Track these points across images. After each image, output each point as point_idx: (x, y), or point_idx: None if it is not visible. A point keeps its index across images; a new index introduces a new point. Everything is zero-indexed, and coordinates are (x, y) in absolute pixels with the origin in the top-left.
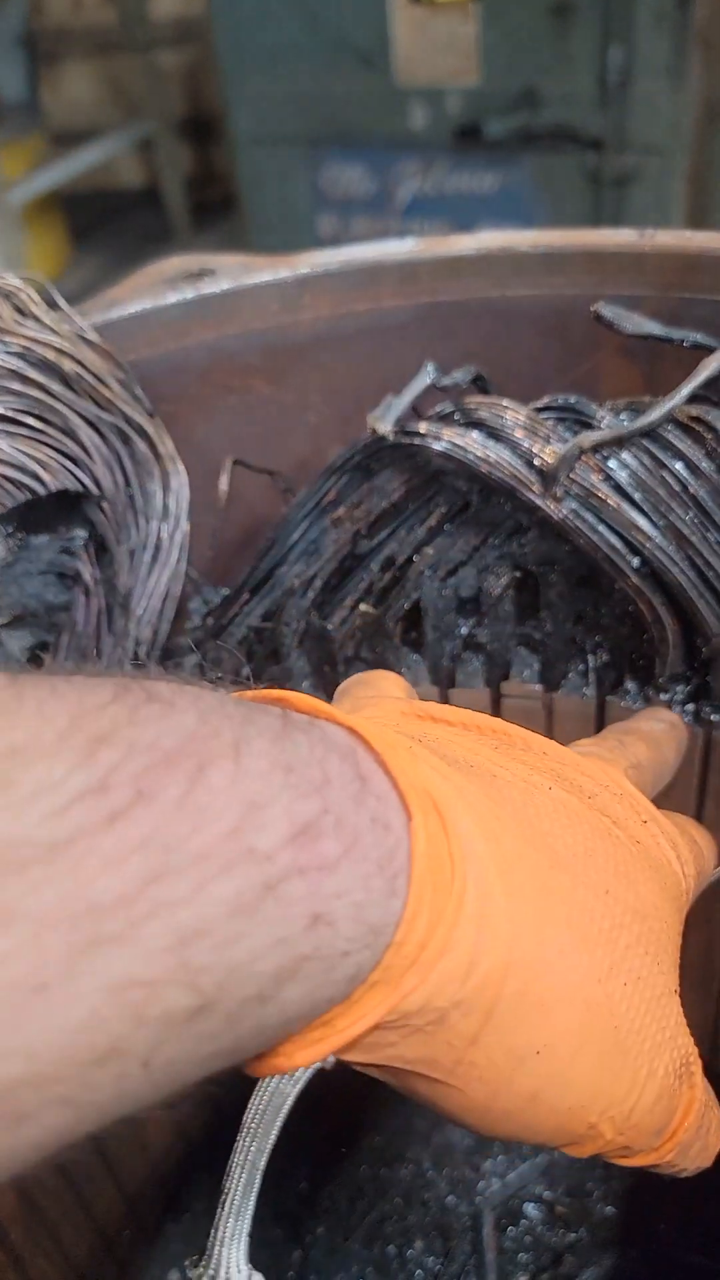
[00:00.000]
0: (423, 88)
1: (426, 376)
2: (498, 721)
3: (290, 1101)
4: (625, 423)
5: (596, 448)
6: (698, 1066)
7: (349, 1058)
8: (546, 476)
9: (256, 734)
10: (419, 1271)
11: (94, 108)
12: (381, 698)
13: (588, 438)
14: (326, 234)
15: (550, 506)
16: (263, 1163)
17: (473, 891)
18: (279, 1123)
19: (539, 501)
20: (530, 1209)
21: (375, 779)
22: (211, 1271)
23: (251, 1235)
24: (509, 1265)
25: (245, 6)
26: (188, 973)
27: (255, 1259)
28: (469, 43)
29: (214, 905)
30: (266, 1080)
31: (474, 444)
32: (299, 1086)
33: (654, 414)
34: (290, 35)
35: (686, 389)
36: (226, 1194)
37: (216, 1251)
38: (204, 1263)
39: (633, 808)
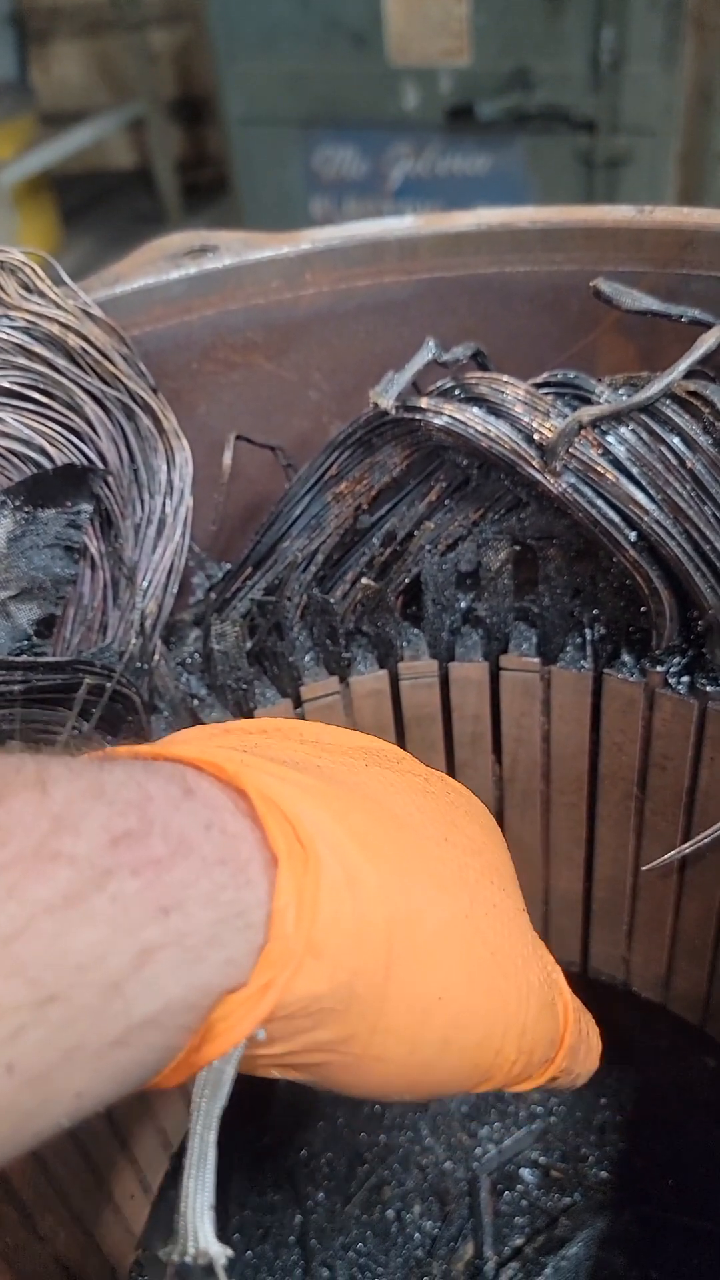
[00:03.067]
0: (415, 68)
1: (428, 352)
2: (284, 721)
3: (228, 1078)
4: (624, 398)
5: (595, 422)
6: (559, 974)
7: (272, 1051)
8: (546, 451)
9: (65, 771)
10: (417, 1235)
11: (85, 88)
12: (191, 732)
13: (586, 412)
14: (319, 216)
15: (549, 481)
16: (213, 1138)
17: (332, 863)
18: (221, 1100)
19: (538, 476)
20: (526, 1174)
21: (203, 789)
22: (180, 1248)
23: (250, 1204)
24: (505, 1228)
25: None
26: (17, 964)
27: (256, 1222)
28: (461, 23)
29: (30, 904)
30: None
31: (474, 419)
32: (233, 1065)
33: (652, 389)
34: (282, 15)
35: (684, 364)
36: (185, 1173)
37: (183, 1228)
38: (173, 1240)
39: (426, 769)
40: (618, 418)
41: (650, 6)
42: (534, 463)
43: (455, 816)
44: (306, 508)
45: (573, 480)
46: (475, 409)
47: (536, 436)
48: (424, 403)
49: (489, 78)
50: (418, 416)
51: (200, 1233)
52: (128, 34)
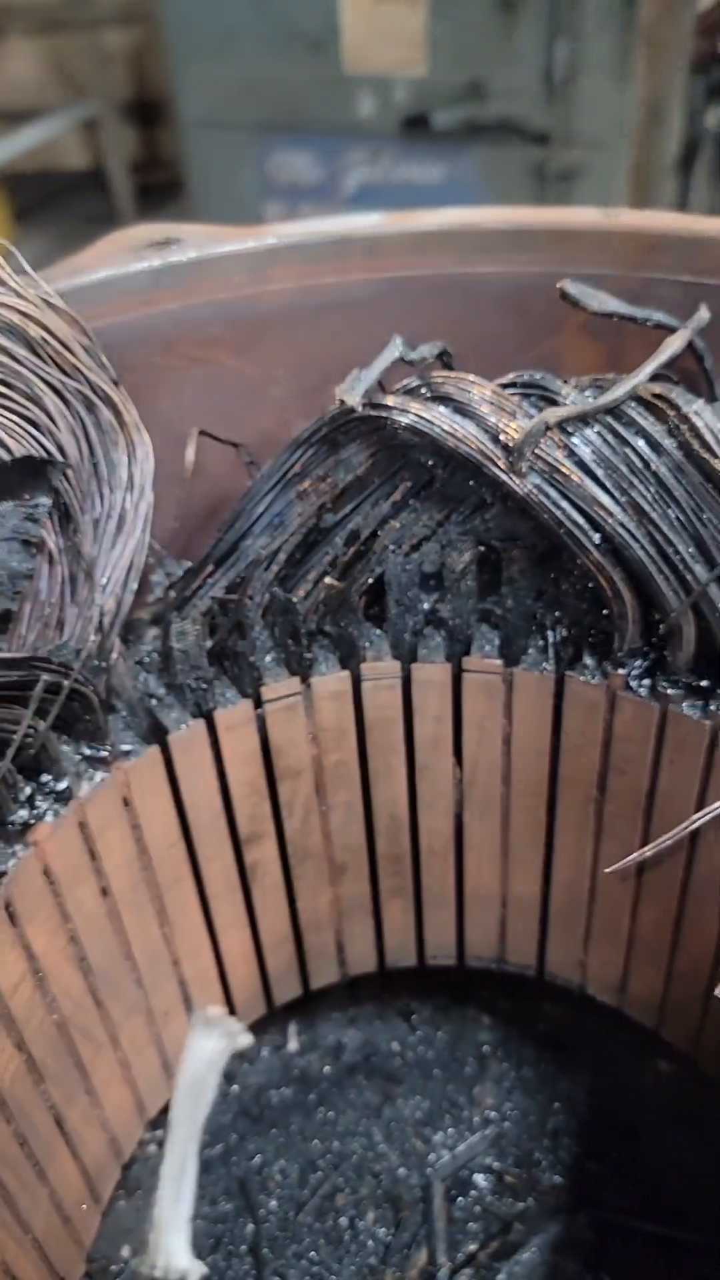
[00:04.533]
0: (371, 76)
1: (394, 350)
2: None
3: (211, 1086)
4: (590, 399)
5: (561, 424)
6: None
7: None
8: (512, 452)
9: None
10: (370, 1242)
11: (38, 87)
12: None
13: (553, 414)
14: (273, 221)
15: (515, 481)
16: (194, 1150)
17: None
18: (205, 1109)
19: (504, 476)
20: (480, 1179)
21: None
22: (153, 1262)
23: (201, 1212)
24: (459, 1234)
25: None
26: None
27: (207, 1232)
28: (417, 33)
29: None
30: (187, 1071)
31: (441, 418)
32: (216, 1074)
33: (618, 391)
34: (238, 19)
35: (650, 367)
36: (162, 1183)
37: (157, 1241)
38: (146, 1253)
39: None
40: (584, 419)
41: (603, 22)
42: (500, 463)
43: None
44: (270, 505)
45: (538, 481)
46: (442, 408)
47: (502, 437)
48: (390, 401)
49: (444, 88)
50: (384, 415)
51: (174, 1247)
52: (82, 33)
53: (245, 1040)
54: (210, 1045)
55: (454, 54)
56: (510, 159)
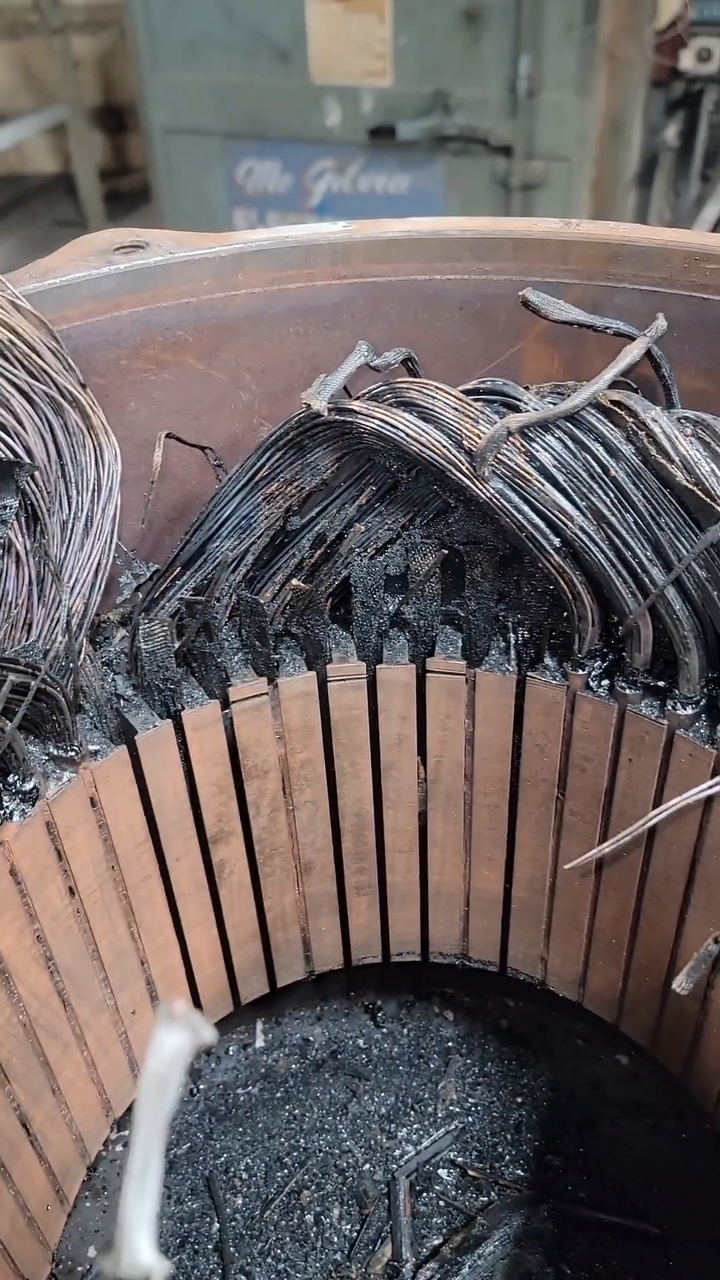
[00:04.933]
0: (338, 86)
1: (360, 356)
2: None
3: (174, 1082)
4: (551, 405)
5: (523, 429)
6: None
7: None
8: (475, 457)
9: None
10: (336, 1238)
11: (6, 91)
12: None
13: (514, 419)
14: (241, 227)
15: (478, 486)
16: (158, 1146)
17: None
18: (169, 1106)
19: (467, 481)
20: (443, 1174)
21: None
22: (117, 1259)
23: (167, 1210)
24: (423, 1229)
25: None
26: None
27: (173, 1231)
28: (383, 44)
29: None
30: (151, 1067)
31: (406, 424)
32: (179, 1069)
33: (578, 397)
34: (206, 27)
35: (609, 374)
36: (127, 1180)
37: (121, 1239)
38: (111, 1251)
39: None
40: (544, 425)
41: (565, 38)
42: (463, 468)
43: None
44: (237, 508)
45: (500, 486)
46: (406, 414)
47: (466, 442)
48: (356, 406)
49: (410, 99)
50: (349, 420)
51: (138, 1245)
52: (50, 38)
53: (209, 1036)
54: (174, 1041)
55: (419, 66)
56: (474, 170)
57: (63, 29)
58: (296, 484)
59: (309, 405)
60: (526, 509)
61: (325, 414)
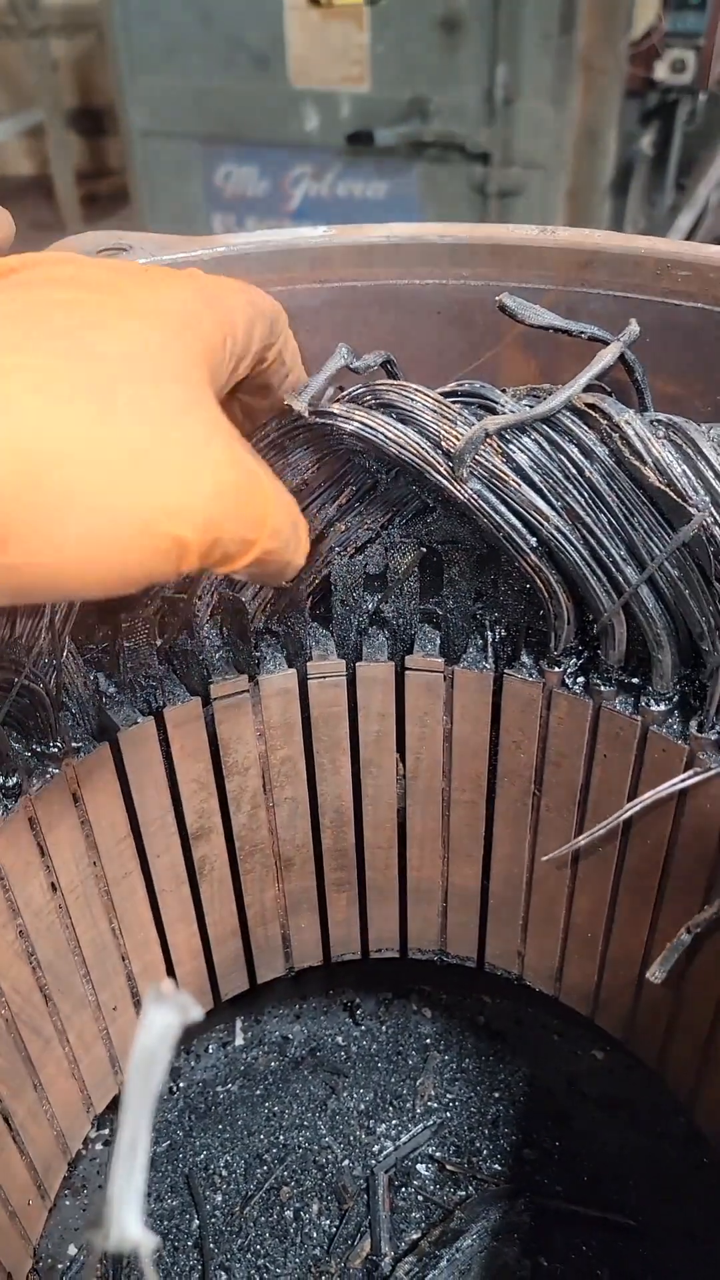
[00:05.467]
0: (316, 91)
1: (340, 359)
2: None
3: (162, 1060)
4: (527, 408)
5: (500, 431)
6: (259, 463)
7: None
8: (453, 458)
9: None
10: (315, 1234)
11: None
12: None
13: (492, 421)
14: (220, 232)
15: (455, 487)
16: (146, 1124)
17: None
18: (156, 1084)
19: (445, 482)
20: (422, 1169)
21: None
22: (105, 1234)
23: (148, 1208)
24: (402, 1224)
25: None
26: None
27: (153, 1229)
28: (361, 50)
29: None
30: (139, 1045)
31: (385, 425)
32: (167, 1048)
33: (554, 400)
34: (185, 31)
35: (584, 378)
36: (115, 1159)
37: (110, 1214)
38: (100, 1226)
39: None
40: (521, 427)
41: (542, 47)
42: (441, 469)
43: (105, 317)
44: None
45: (478, 487)
46: (385, 416)
47: (444, 443)
48: (336, 408)
49: (387, 105)
50: (329, 421)
51: (127, 1221)
52: (28, 41)
53: (197, 1014)
54: (162, 1019)
55: (397, 72)
56: (452, 176)
57: (41, 32)
58: None
59: (290, 406)
60: (504, 509)
61: (306, 415)
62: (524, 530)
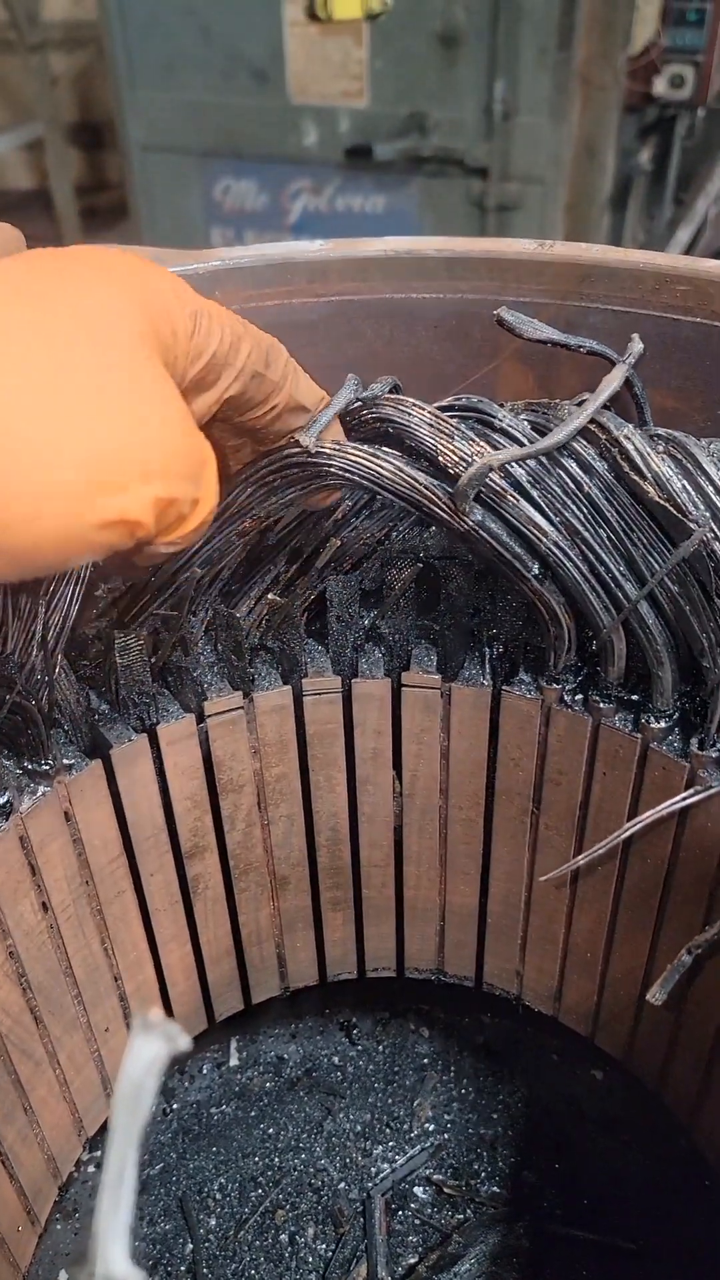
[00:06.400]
0: (315, 106)
1: (350, 390)
2: None
3: (149, 1090)
4: (525, 423)
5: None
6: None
7: None
8: (455, 494)
9: None
10: (311, 1258)
11: None
12: None
13: (495, 457)
14: (219, 246)
15: (456, 520)
16: (132, 1156)
17: None
18: (142, 1115)
19: (446, 516)
20: (419, 1192)
21: None
22: (91, 1270)
23: (140, 1232)
24: (399, 1248)
25: (138, 15)
26: None
27: (146, 1253)
28: (360, 65)
29: None
30: (126, 1076)
31: (382, 465)
32: (154, 1078)
33: (559, 434)
34: (184, 46)
35: (591, 408)
36: (101, 1191)
37: (95, 1250)
38: (85, 1262)
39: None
40: (526, 459)
41: (540, 62)
42: (441, 504)
43: (61, 279)
44: (210, 541)
45: (479, 518)
46: (383, 453)
47: (441, 458)
48: (328, 448)
49: (386, 120)
50: (325, 464)
51: (113, 1255)
52: (27, 55)
53: (184, 1043)
54: (150, 1049)
55: (396, 88)
56: (450, 191)
57: (40, 46)
58: (271, 518)
59: (298, 442)
60: (505, 537)
61: (312, 450)
62: (525, 557)
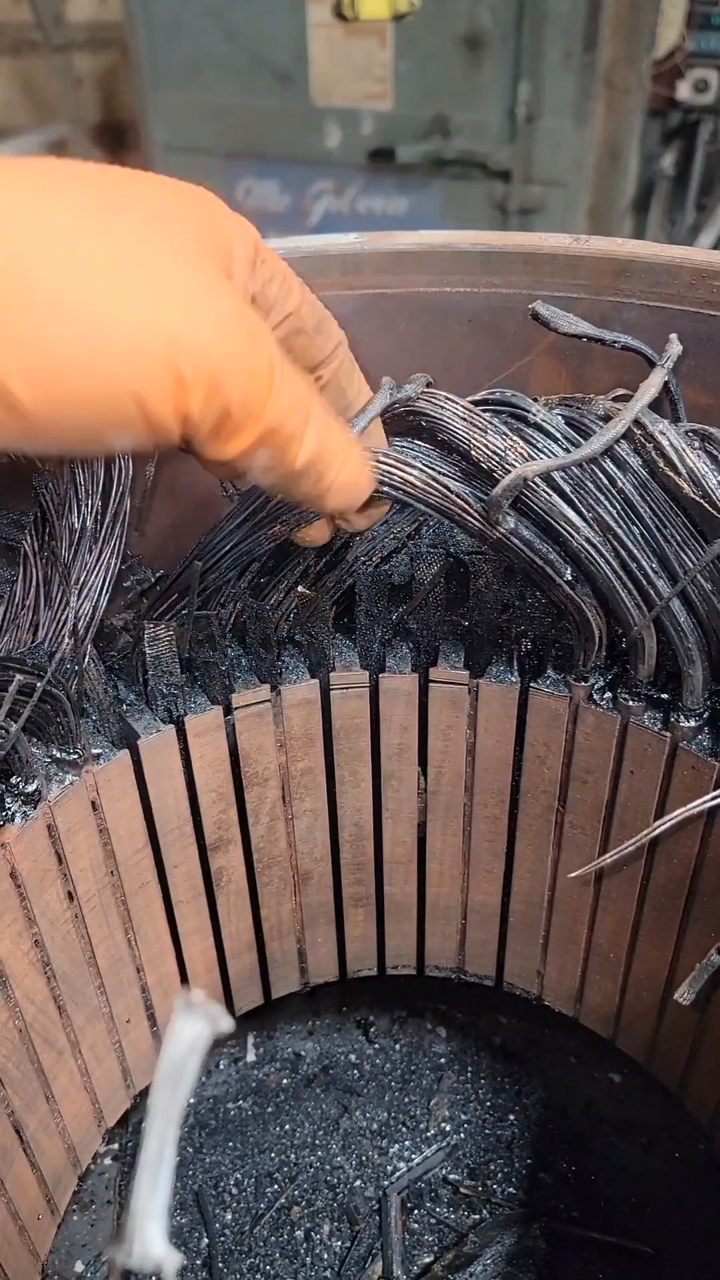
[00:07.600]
0: (338, 109)
1: (385, 396)
2: None
3: (191, 1071)
4: (558, 418)
5: (540, 475)
6: (281, 353)
7: None
8: (488, 503)
9: None
10: (326, 1255)
11: (7, 107)
12: None
13: (531, 467)
14: None
15: (489, 529)
16: (172, 1136)
17: None
18: (184, 1095)
19: (478, 524)
20: (435, 1191)
21: None
22: (129, 1250)
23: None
24: (414, 1247)
25: (163, 16)
26: None
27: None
28: (384, 68)
29: None
30: (167, 1056)
31: (417, 478)
32: (197, 1057)
33: (595, 443)
34: (208, 48)
35: (630, 415)
36: (139, 1172)
37: (133, 1229)
38: (122, 1241)
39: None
40: (553, 439)
41: (564, 65)
42: (473, 514)
43: (123, 176)
44: (238, 544)
45: (511, 525)
46: (417, 462)
47: (474, 453)
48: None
49: (409, 123)
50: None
51: (150, 1235)
52: (52, 56)
53: (227, 1024)
54: (192, 1029)
55: (419, 90)
56: (472, 193)
57: (65, 47)
58: (300, 521)
59: None
60: (537, 543)
61: None
62: (558, 563)
